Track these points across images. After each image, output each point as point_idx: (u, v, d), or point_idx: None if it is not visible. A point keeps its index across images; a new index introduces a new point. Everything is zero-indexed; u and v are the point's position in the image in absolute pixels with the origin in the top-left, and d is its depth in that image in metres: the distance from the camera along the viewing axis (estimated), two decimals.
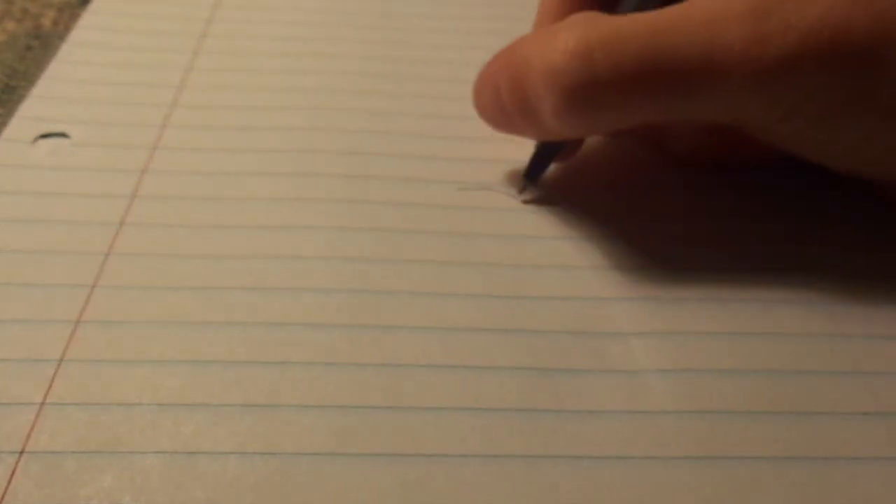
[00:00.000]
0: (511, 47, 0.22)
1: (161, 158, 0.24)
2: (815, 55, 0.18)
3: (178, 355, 0.19)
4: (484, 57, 0.23)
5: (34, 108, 0.26)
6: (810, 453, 0.18)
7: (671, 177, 0.25)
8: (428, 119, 0.27)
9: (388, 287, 0.21)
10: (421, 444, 0.17)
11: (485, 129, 0.24)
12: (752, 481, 0.17)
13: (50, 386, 0.18)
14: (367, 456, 0.17)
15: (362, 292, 0.21)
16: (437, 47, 0.31)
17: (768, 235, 0.23)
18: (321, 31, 0.31)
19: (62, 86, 0.27)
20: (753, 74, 0.18)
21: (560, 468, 0.17)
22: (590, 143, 0.25)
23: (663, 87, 0.19)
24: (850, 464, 0.17)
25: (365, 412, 0.18)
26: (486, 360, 0.19)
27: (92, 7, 0.32)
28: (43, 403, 0.17)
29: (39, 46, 0.30)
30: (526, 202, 0.24)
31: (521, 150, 0.24)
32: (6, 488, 0.16)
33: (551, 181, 0.24)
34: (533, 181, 0.24)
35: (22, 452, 0.17)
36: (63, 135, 0.25)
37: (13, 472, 0.16)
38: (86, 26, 0.31)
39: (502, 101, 0.22)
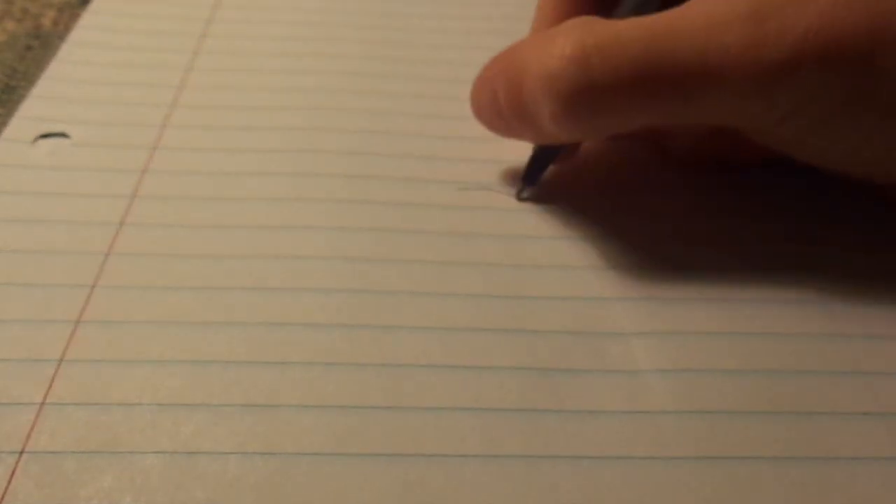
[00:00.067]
0: (508, 52, 0.22)
1: (161, 158, 0.24)
2: (812, 57, 0.18)
3: (178, 355, 0.19)
4: (484, 57, 0.23)
5: (34, 108, 0.26)
6: (810, 453, 0.18)
7: (671, 177, 0.25)
8: (428, 119, 0.27)
9: (388, 287, 0.21)
10: (421, 444, 0.17)
11: (485, 130, 0.24)
12: (752, 481, 0.17)
13: (50, 386, 0.18)
14: (367, 456, 0.17)
15: (362, 292, 0.21)
16: (437, 47, 0.31)
17: (768, 235, 0.23)
18: (321, 31, 0.31)
19: (62, 86, 0.27)
20: (751, 77, 0.18)
21: (560, 468, 0.17)
22: (589, 143, 0.25)
23: (661, 92, 0.19)
24: (850, 464, 0.17)
25: (365, 412, 0.18)
26: (486, 360, 0.19)
27: (92, 7, 0.32)
28: (43, 403, 0.17)
29: (39, 46, 0.30)
30: (525, 200, 0.24)
31: (521, 150, 0.24)
32: (6, 488, 0.16)
33: (551, 181, 0.24)
34: (531, 184, 0.24)
35: (22, 452, 0.17)
36: (63, 135, 0.25)
37: (13, 472, 0.16)
38: (86, 26, 0.31)
39: (500, 105, 0.22)
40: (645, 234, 0.23)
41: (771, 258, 0.22)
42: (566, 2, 0.23)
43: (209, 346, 0.19)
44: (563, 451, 0.17)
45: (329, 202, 0.23)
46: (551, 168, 0.24)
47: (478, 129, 0.24)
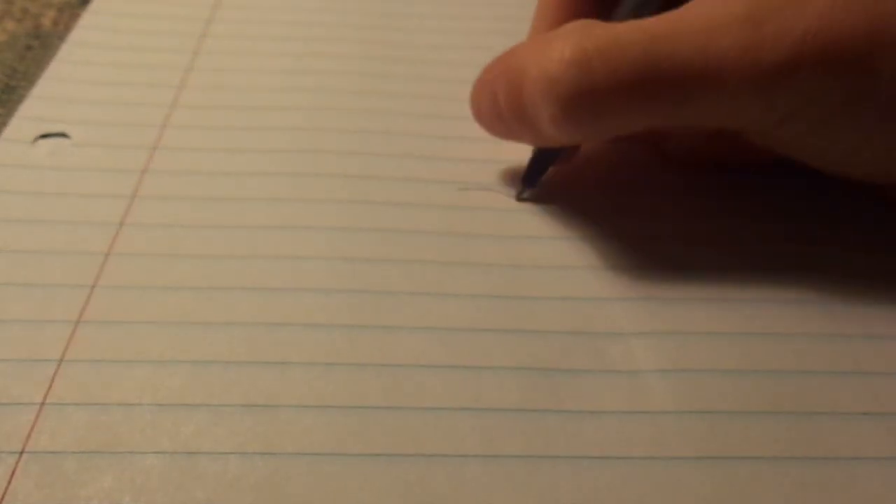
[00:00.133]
0: (507, 55, 0.22)
1: (161, 158, 0.24)
2: (811, 59, 0.18)
3: (178, 355, 0.19)
4: (484, 57, 0.23)
5: (34, 108, 0.26)
6: (810, 453, 0.18)
7: (671, 177, 0.25)
8: (428, 119, 0.27)
9: (388, 287, 0.21)
10: (421, 444, 0.17)
11: (484, 130, 0.24)
12: (752, 481, 0.17)
13: (50, 386, 0.18)
14: (367, 456, 0.17)
15: (362, 292, 0.21)
16: (437, 47, 0.31)
17: (768, 235, 0.23)
18: (321, 31, 0.32)
19: (62, 86, 0.27)
20: (750, 79, 0.18)
21: (560, 468, 0.17)
22: (589, 144, 0.25)
23: (661, 94, 0.19)
24: (850, 464, 0.17)
25: (365, 412, 0.18)
26: (486, 361, 0.19)
27: (92, 7, 0.32)
28: (43, 403, 0.17)
29: (39, 46, 0.30)
30: (525, 201, 0.24)
31: (521, 150, 0.24)
32: (6, 488, 0.16)
33: (551, 182, 0.24)
34: (531, 186, 0.24)
35: (22, 452, 0.17)
36: (63, 135, 0.25)
37: (13, 472, 0.16)
38: (86, 26, 0.31)
39: (499, 108, 0.22)
40: (645, 234, 0.23)
41: (771, 258, 0.22)
42: (565, 4, 0.23)
43: (209, 346, 0.19)
44: (563, 451, 0.17)
45: (329, 202, 0.23)
46: (551, 169, 0.24)
47: (478, 129, 0.24)
